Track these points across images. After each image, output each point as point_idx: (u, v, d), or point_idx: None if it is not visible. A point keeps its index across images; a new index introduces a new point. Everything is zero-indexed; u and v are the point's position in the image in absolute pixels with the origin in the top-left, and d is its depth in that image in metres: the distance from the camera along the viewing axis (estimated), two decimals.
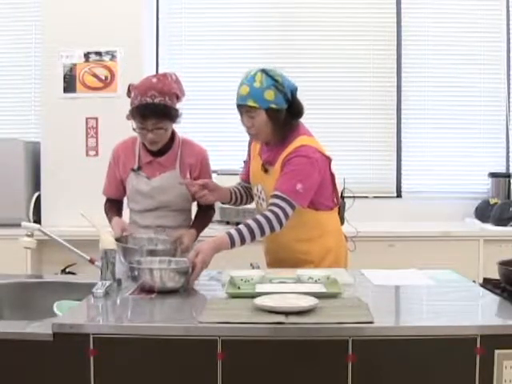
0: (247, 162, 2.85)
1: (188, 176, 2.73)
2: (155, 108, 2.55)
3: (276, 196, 2.43)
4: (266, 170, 2.60)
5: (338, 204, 2.75)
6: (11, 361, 1.78)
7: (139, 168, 2.73)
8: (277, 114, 2.49)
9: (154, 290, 2.13)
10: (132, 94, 2.62)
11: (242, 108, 2.51)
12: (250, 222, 2.39)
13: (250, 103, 2.46)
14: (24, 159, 4.06)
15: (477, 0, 4.55)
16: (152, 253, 2.47)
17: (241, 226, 2.38)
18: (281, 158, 2.53)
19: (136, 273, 2.16)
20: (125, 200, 2.88)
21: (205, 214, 2.85)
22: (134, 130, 2.64)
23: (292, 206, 2.43)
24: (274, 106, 2.47)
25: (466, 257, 3.83)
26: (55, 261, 3.50)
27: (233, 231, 2.37)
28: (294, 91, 2.54)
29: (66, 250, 2.39)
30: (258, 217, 2.41)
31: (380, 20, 4.55)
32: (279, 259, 2.68)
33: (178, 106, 2.65)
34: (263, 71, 2.48)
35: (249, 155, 2.82)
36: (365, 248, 3.77)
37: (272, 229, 2.39)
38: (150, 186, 2.72)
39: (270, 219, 2.39)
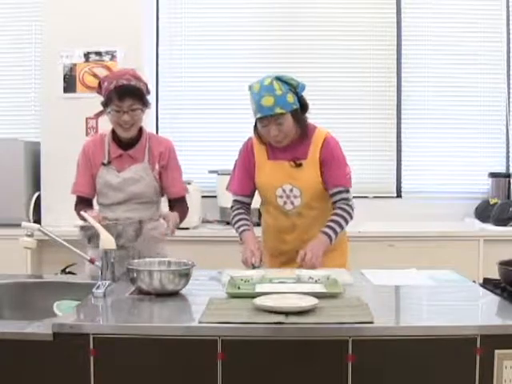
0: (241, 174, 2.81)
1: (156, 167, 2.78)
2: (132, 88, 2.67)
3: (341, 192, 2.67)
4: (299, 165, 2.66)
5: None
6: (11, 361, 1.79)
7: (109, 162, 2.78)
8: (298, 114, 2.63)
9: (153, 293, 2.11)
10: (105, 83, 2.71)
11: (269, 118, 2.58)
12: (337, 218, 2.64)
13: (279, 110, 2.56)
14: (24, 159, 4.05)
15: (477, 0, 4.55)
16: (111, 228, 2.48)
17: (332, 224, 2.62)
18: (313, 150, 2.67)
19: (134, 275, 2.14)
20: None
21: (180, 206, 2.85)
22: (108, 114, 2.72)
23: (350, 192, 2.72)
24: (295, 107, 2.60)
25: (465, 257, 3.83)
26: (55, 261, 3.50)
27: (327, 230, 2.60)
28: (302, 89, 2.67)
29: (65, 249, 2.39)
30: (342, 213, 2.65)
31: (380, 20, 4.54)
32: (286, 250, 2.72)
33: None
34: (277, 78, 2.60)
35: (248, 166, 2.78)
36: (365, 248, 3.78)
37: (352, 218, 2.69)
38: (120, 178, 2.76)
39: (349, 211, 2.67)
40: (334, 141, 2.73)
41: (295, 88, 2.61)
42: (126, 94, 2.65)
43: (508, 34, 4.54)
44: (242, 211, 2.82)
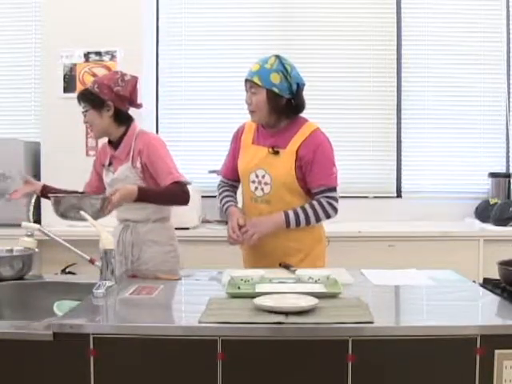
0: (229, 158, 2.89)
1: (138, 165, 2.75)
2: (83, 92, 2.84)
3: (324, 190, 2.63)
4: (276, 152, 2.64)
5: None
6: (11, 361, 1.79)
7: (110, 164, 2.85)
8: (276, 99, 2.61)
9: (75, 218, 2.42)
10: None
11: (247, 83, 2.64)
12: (306, 206, 2.62)
13: (255, 80, 2.60)
14: (24, 159, 4.06)
15: (477, 0, 4.55)
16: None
17: (298, 209, 2.60)
18: (294, 141, 2.63)
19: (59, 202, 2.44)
20: None
21: (169, 187, 2.71)
22: None
23: (336, 190, 2.67)
24: (275, 89, 2.59)
25: (466, 257, 3.83)
26: (55, 261, 3.49)
27: (289, 212, 2.59)
28: (300, 85, 2.66)
29: (66, 249, 2.39)
30: (314, 203, 2.62)
31: (380, 20, 4.54)
32: (267, 250, 2.68)
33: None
34: (277, 57, 2.63)
35: (234, 149, 2.85)
36: (365, 248, 3.78)
37: (327, 216, 2.64)
38: (110, 179, 2.83)
39: (325, 207, 2.62)
40: (321, 138, 2.66)
41: (288, 73, 2.59)
42: (78, 97, 2.83)
43: (508, 33, 4.54)
44: (227, 188, 2.88)
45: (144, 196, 2.63)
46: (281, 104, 2.62)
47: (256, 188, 2.69)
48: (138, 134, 2.81)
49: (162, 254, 2.80)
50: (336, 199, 2.65)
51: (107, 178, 2.86)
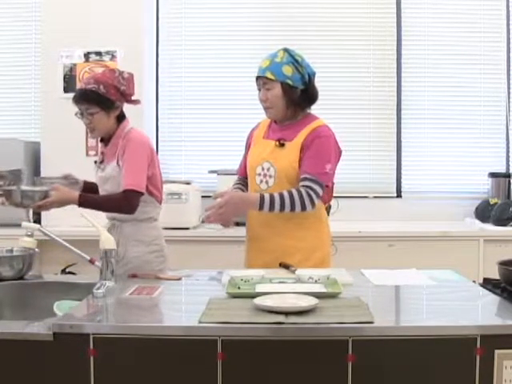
0: (243, 157, 2.86)
1: (121, 164, 2.70)
2: (85, 92, 2.72)
3: (307, 179, 2.54)
4: (282, 145, 2.63)
5: (330, 200, 2.81)
6: (11, 361, 1.79)
7: (101, 161, 2.83)
8: (291, 91, 2.62)
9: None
10: None
11: (260, 80, 2.64)
12: (284, 193, 2.52)
13: (268, 75, 2.60)
14: (24, 159, 4.06)
15: (477, 0, 4.55)
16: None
17: (275, 194, 2.52)
18: (300, 135, 2.61)
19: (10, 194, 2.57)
20: None
21: (114, 195, 2.70)
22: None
23: (322, 188, 2.56)
24: (289, 81, 2.61)
25: (466, 257, 3.83)
26: (55, 261, 3.49)
27: (266, 195, 2.51)
28: (311, 75, 2.69)
29: (66, 250, 2.39)
30: (293, 191, 2.52)
31: (380, 20, 4.54)
32: (268, 248, 2.65)
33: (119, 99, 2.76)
34: (286, 50, 2.66)
35: (247, 146, 2.83)
36: (365, 248, 3.78)
37: (303, 207, 2.52)
38: (97, 176, 2.82)
39: (303, 197, 2.51)
40: (326, 132, 2.62)
41: (299, 64, 2.62)
42: (81, 98, 2.72)
43: (508, 33, 4.54)
44: (240, 183, 2.84)
45: (85, 205, 2.62)
46: (296, 96, 2.63)
47: (261, 181, 2.67)
48: (127, 133, 2.76)
49: (147, 253, 2.76)
50: (317, 194, 2.53)
51: (96, 175, 2.82)
